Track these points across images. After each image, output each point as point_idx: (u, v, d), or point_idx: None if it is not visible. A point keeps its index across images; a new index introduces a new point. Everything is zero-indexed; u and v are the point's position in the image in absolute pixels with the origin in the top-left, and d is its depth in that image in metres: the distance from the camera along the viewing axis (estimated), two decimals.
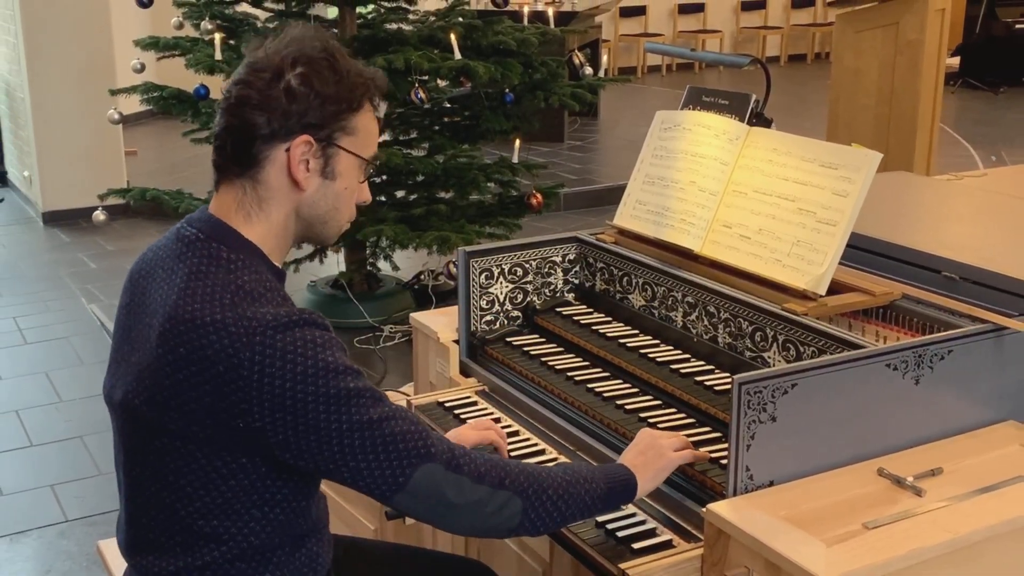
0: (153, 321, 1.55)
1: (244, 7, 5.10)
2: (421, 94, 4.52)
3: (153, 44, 4.94)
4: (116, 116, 5.11)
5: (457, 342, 2.47)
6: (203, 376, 1.48)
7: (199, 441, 1.52)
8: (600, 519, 1.81)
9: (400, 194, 5.24)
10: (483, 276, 2.42)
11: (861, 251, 2.23)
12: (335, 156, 1.61)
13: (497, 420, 2.21)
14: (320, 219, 1.65)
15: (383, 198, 5.21)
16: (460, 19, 4.97)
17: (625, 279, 2.41)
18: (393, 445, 1.52)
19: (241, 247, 1.59)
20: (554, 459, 2.04)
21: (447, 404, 2.30)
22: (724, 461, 1.80)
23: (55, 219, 7.04)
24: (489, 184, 5.12)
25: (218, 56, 4.61)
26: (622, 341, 2.31)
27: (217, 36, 4.67)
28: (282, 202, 1.61)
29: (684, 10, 13.57)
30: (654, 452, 1.81)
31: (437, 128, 5.22)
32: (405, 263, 5.55)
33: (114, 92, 5.28)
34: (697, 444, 1.90)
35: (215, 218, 1.61)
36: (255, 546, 1.59)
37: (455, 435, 1.94)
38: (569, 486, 1.65)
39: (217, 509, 1.56)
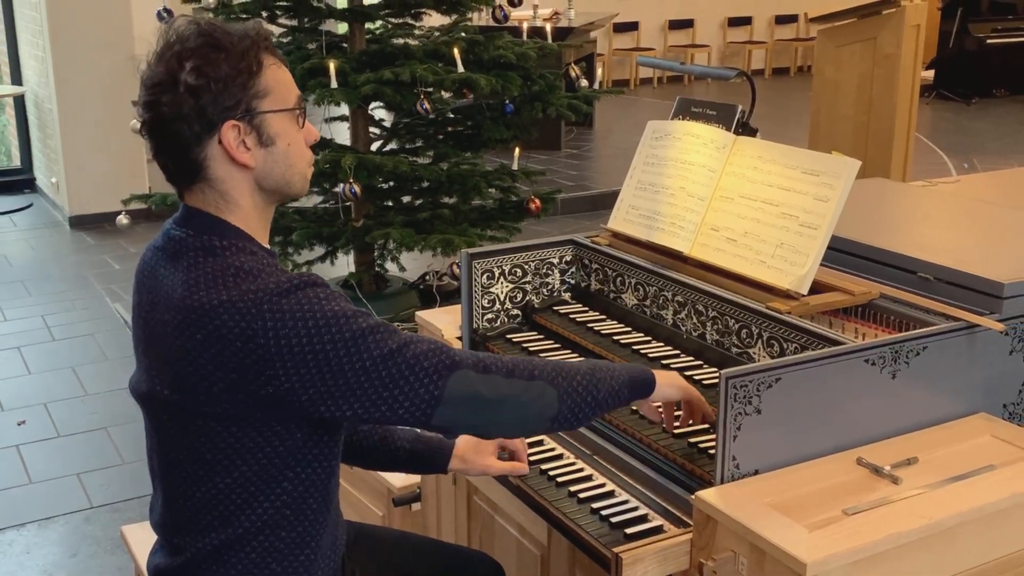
0: (166, 316, 1.55)
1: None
2: (426, 105, 4.52)
3: None
4: (139, 126, 5.10)
5: (460, 339, 2.47)
6: (223, 356, 1.48)
7: (231, 418, 1.52)
8: (595, 506, 1.82)
9: (406, 199, 5.24)
10: (485, 276, 2.42)
11: (841, 253, 2.22)
12: (264, 123, 1.57)
13: None
14: (281, 182, 1.62)
15: (390, 203, 5.21)
16: (463, 34, 4.97)
17: (619, 279, 2.41)
18: (419, 365, 1.50)
19: (230, 234, 1.58)
20: (551, 449, 2.04)
21: None
22: (712, 451, 1.80)
23: (81, 223, 7.04)
24: (490, 190, 5.12)
25: None
26: (616, 338, 2.31)
27: None
28: (241, 187, 1.59)
29: (674, 26, 13.57)
30: (672, 376, 1.80)
31: (441, 137, 5.23)
32: (411, 264, 5.55)
33: (137, 103, 5.28)
34: (686, 435, 1.90)
35: (197, 212, 1.59)
36: (288, 504, 1.59)
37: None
38: (595, 372, 1.65)
39: (254, 476, 1.56)
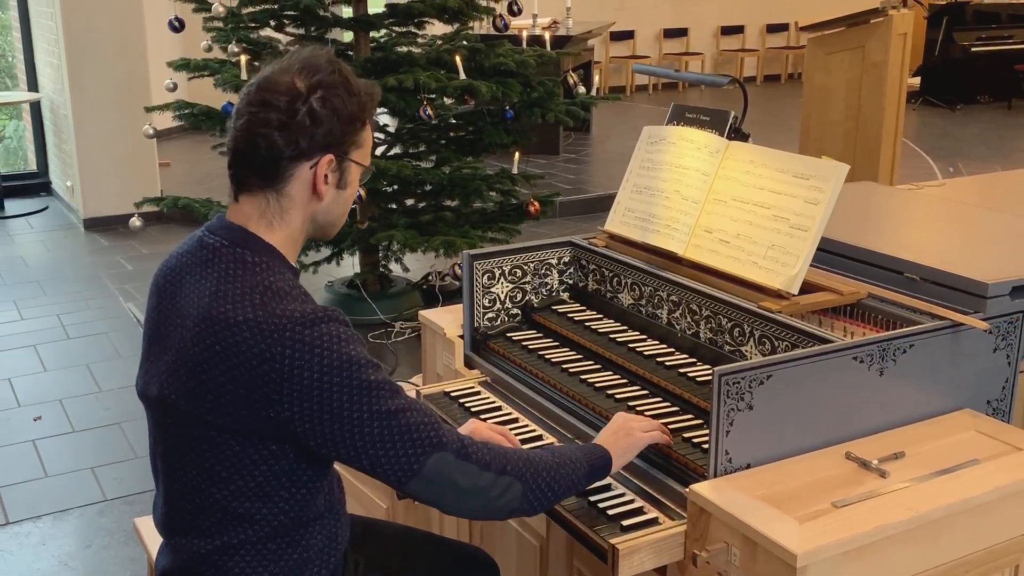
0: (187, 322, 1.55)
1: (267, 32, 5.10)
2: (429, 111, 4.52)
3: (184, 65, 4.94)
4: (151, 131, 5.11)
5: (462, 337, 2.47)
6: (238, 370, 1.48)
7: (233, 431, 1.52)
8: (592, 499, 1.82)
9: (410, 202, 5.24)
10: (485, 277, 2.42)
11: (830, 254, 2.23)
12: (348, 168, 1.63)
13: (498, 408, 2.22)
14: (329, 223, 1.67)
15: (394, 205, 5.21)
16: (464, 42, 4.97)
17: (615, 280, 2.41)
18: (408, 435, 1.52)
19: (263, 251, 1.59)
20: (550, 444, 2.04)
21: (453, 394, 2.30)
22: (705, 446, 1.80)
23: (95, 225, 7.03)
24: (491, 193, 5.12)
25: (244, 76, 4.61)
26: (612, 336, 2.31)
27: (243, 58, 4.68)
28: (301, 211, 1.62)
29: (669, 34, 13.57)
30: (624, 433, 1.83)
31: (444, 142, 5.22)
32: (414, 265, 5.55)
33: (149, 109, 5.28)
34: (680, 430, 1.91)
35: (236, 226, 1.61)
36: (284, 523, 1.59)
37: (470, 426, 1.94)
38: (559, 468, 1.67)
39: (249, 492, 1.56)
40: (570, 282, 2.55)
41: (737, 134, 2.29)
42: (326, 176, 1.60)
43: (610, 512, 1.77)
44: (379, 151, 5.20)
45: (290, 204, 1.60)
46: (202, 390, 1.51)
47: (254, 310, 1.50)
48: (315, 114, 1.55)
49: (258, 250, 1.58)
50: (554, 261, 2.52)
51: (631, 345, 2.25)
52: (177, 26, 4.82)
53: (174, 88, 4.87)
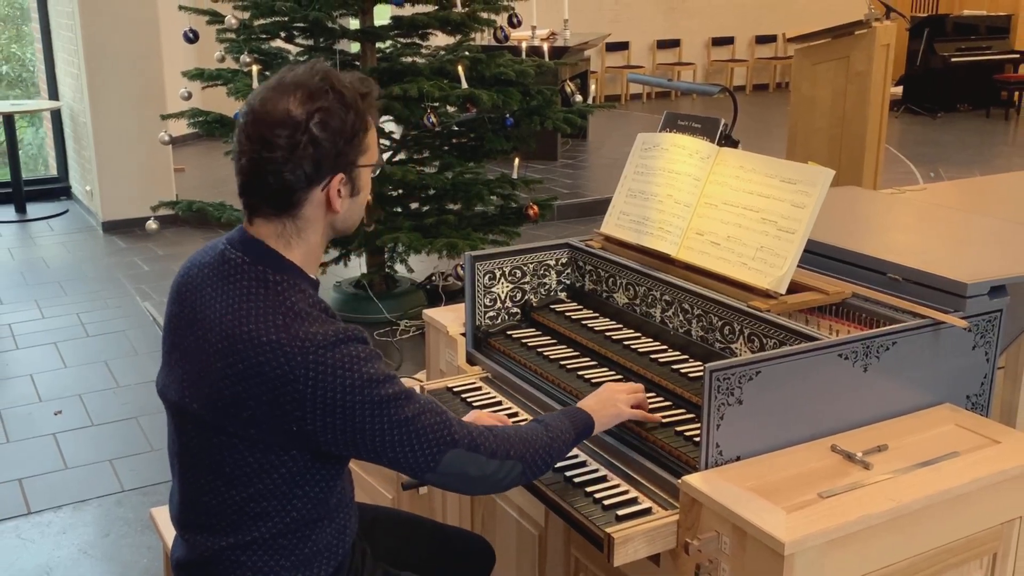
0: (209, 336, 1.52)
1: (278, 43, 5.10)
2: (432, 119, 4.52)
3: (199, 75, 4.94)
4: (166, 138, 5.12)
5: (464, 335, 2.47)
6: (261, 389, 1.47)
7: (254, 440, 1.51)
8: (589, 489, 1.82)
9: (414, 206, 5.24)
10: (487, 277, 2.42)
11: (817, 255, 2.22)
12: (359, 175, 1.60)
13: (498, 403, 2.22)
14: (349, 225, 1.65)
15: (399, 209, 5.21)
16: (466, 53, 4.97)
17: (611, 280, 2.41)
18: (424, 437, 1.55)
19: (285, 269, 1.56)
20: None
21: (455, 389, 2.29)
22: (697, 439, 1.80)
23: (113, 228, 7.03)
24: (492, 197, 5.12)
25: (255, 85, 4.61)
26: (608, 334, 2.31)
27: (254, 68, 4.68)
28: (319, 226, 1.59)
29: (662, 45, 13.57)
30: (611, 403, 1.88)
31: (446, 148, 5.22)
32: (419, 266, 5.55)
33: (165, 117, 5.29)
34: (672, 424, 1.91)
35: (257, 241, 1.57)
36: (296, 520, 1.59)
37: (472, 416, 1.96)
38: (552, 442, 1.73)
39: (267, 492, 1.56)
40: (567, 282, 2.54)
41: (727, 141, 2.29)
42: (339, 190, 1.56)
43: (606, 502, 1.77)
44: (384, 157, 5.20)
45: (306, 224, 1.57)
46: (224, 403, 1.50)
47: (277, 332, 1.48)
48: (317, 140, 1.50)
49: (279, 268, 1.55)
50: (552, 262, 2.51)
51: (626, 343, 2.25)
52: (192, 37, 4.82)
53: (189, 97, 4.88)
